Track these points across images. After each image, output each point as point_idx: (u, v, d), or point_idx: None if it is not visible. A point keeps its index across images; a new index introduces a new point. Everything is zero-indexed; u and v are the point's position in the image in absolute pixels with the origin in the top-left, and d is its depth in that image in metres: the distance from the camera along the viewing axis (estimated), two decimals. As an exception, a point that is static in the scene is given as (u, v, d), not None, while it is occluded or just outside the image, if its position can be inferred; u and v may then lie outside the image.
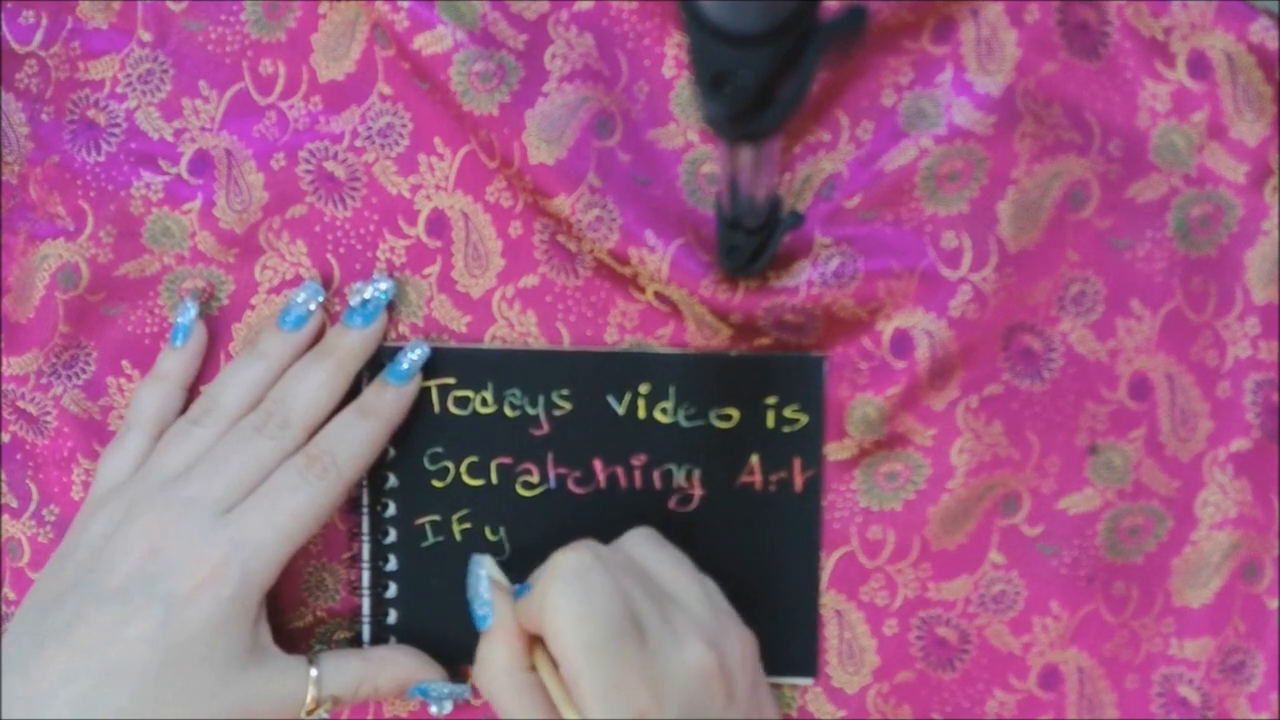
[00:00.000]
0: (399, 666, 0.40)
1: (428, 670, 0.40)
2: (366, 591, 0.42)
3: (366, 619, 0.42)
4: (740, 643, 0.36)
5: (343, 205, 0.42)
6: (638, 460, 0.41)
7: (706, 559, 0.39)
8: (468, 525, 0.42)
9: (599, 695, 0.33)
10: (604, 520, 0.41)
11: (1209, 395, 0.41)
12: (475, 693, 0.42)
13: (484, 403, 0.41)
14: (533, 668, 0.37)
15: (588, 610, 0.34)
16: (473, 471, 0.42)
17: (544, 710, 0.36)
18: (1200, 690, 0.41)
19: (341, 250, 0.42)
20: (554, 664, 0.36)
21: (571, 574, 0.34)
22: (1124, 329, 0.41)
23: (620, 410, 0.41)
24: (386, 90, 0.41)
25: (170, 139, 0.42)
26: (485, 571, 0.38)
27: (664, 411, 0.41)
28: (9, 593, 0.43)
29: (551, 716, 0.36)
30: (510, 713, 0.36)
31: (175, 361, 0.41)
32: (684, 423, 0.41)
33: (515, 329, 0.42)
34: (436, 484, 0.42)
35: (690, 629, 0.35)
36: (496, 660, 0.36)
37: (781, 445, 0.41)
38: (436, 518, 0.42)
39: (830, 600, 0.42)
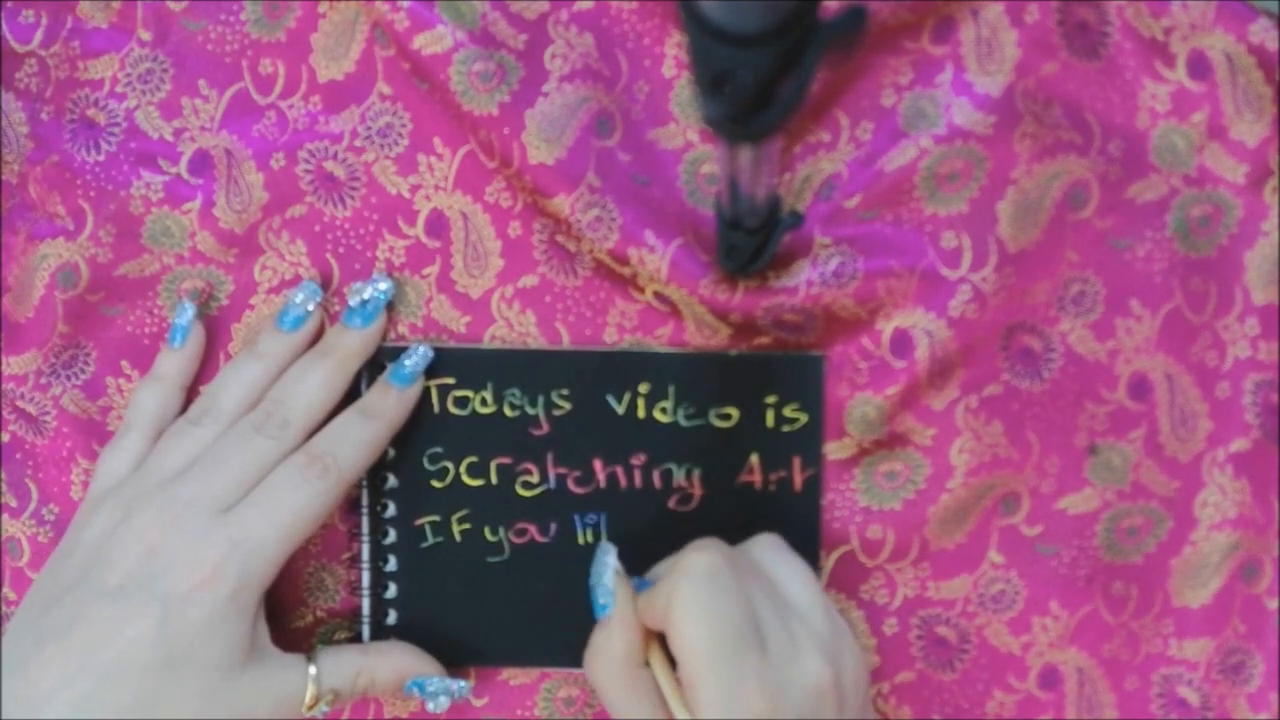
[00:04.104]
0: (396, 659, 0.40)
1: (425, 665, 0.40)
2: (366, 592, 0.42)
3: (366, 619, 0.42)
4: (855, 661, 0.36)
5: (342, 205, 0.42)
6: (637, 460, 0.41)
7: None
8: (467, 526, 0.42)
9: (717, 701, 0.33)
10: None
11: (1208, 396, 0.41)
12: (475, 693, 0.42)
13: (483, 403, 0.41)
14: (646, 663, 0.36)
15: (714, 614, 0.34)
16: (472, 472, 0.42)
17: (652, 708, 0.36)
18: (1200, 691, 0.41)
19: (341, 250, 0.42)
20: (669, 662, 0.36)
21: (702, 575, 0.34)
22: (1124, 329, 0.41)
23: (620, 410, 0.41)
24: (386, 90, 0.41)
25: (170, 138, 0.42)
26: (612, 560, 0.38)
27: (663, 411, 0.41)
28: (9, 592, 0.43)
29: (659, 715, 0.35)
30: (618, 707, 0.36)
31: (174, 362, 0.41)
32: (683, 422, 0.41)
33: (515, 329, 0.42)
34: (436, 484, 0.42)
35: (810, 642, 0.35)
36: (612, 652, 0.36)
37: (781, 444, 0.41)
38: (436, 518, 0.42)
39: (830, 599, 0.42)
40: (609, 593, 0.37)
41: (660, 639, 0.36)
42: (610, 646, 0.36)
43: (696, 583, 0.34)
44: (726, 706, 0.33)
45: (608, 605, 0.37)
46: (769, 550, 0.38)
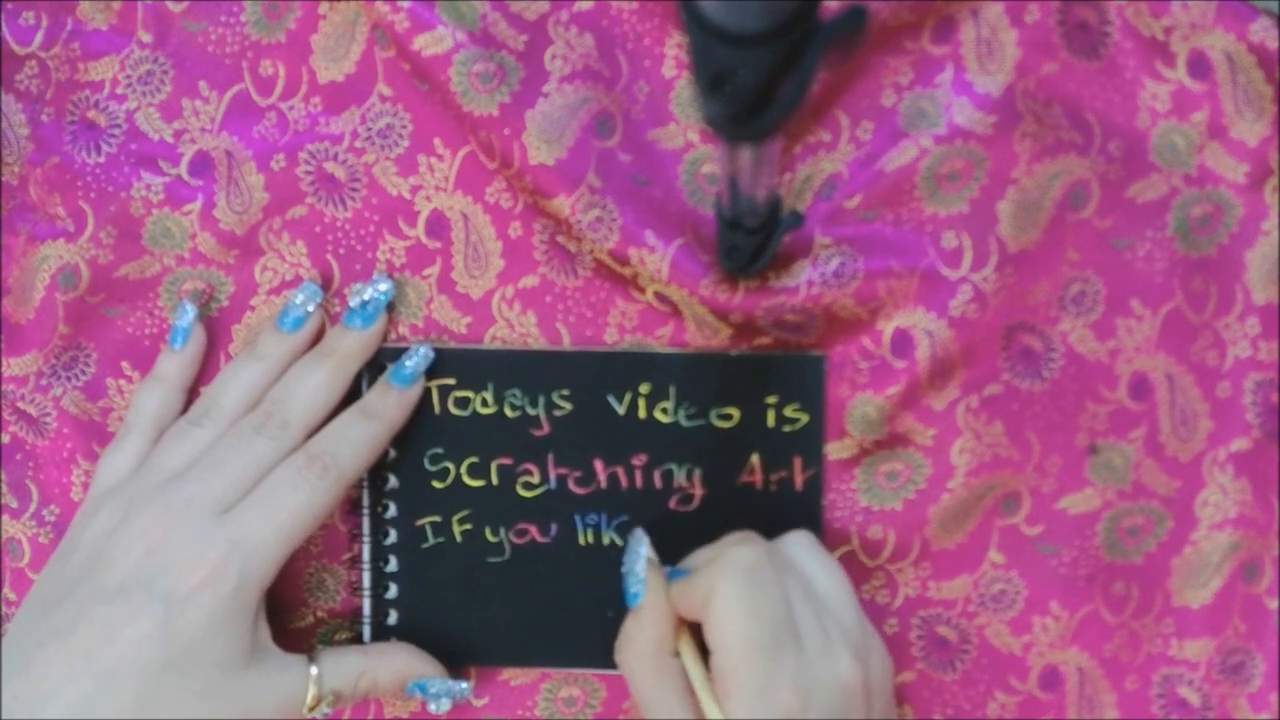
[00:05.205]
0: (398, 660, 0.40)
1: (427, 666, 0.40)
2: (367, 592, 0.42)
3: (367, 620, 0.42)
4: (882, 661, 0.36)
5: (343, 206, 0.42)
6: (638, 460, 0.41)
7: (707, 559, 0.39)
8: (468, 526, 0.42)
9: (749, 696, 0.33)
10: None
11: (1209, 395, 0.41)
12: (476, 693, 0.42)
13: (484, 403, 0.41)
14: (676, 653, 0.36)
15: (756, 608, 0.34)
16: (473, 472, 0.42)
17: (680, 699, 0.35)
18: (1200, 691, 0.41)
19: (341, 251, 0.42)
20: (698, 653, 0.35)
21: (746, 569, 0.34)
22: (1124, 329, 0.41)
23: (620, 410, 0.41)
24: (386, 91, 0.41)
25: (170, 140, 0.42)
26: (645, 549, 0.38)
27: (664, 411, 0.41)
28: (9, 593, 0.43)
29: (687, 705, 0.35)
30: (646, 695, 0.36)
31: (174, 364, 0.41)
32: (684, 422, 0.41)
33: (515, 329, 0.42)
34: (437, 485, 0.42)
35: (842, 640, 0.35)
36: (644, 640, 0.36)
37: (782, 444, 0.41)
38: (437, 519, 0.42)
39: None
40: (641, 581, 0.37)
41: (692, 629, 0.36)
42: (642, 635, 0.36)
43: (739, 576, 0.34)
44: (758, 701, 0.33)
45: (639, 593, 0.37)
46: (802, 547, 0.38)
